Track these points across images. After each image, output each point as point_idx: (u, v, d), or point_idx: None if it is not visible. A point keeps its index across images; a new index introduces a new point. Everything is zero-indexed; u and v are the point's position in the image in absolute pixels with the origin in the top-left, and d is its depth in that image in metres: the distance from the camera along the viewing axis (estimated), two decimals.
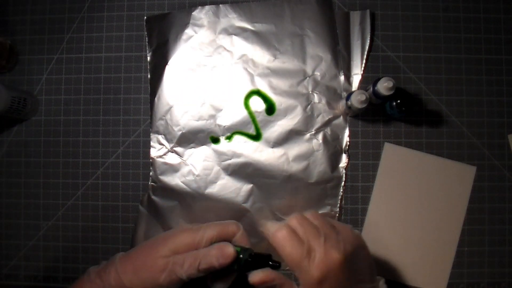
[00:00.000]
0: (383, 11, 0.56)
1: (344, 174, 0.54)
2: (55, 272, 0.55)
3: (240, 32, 0.55)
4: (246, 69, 0.55)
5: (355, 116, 0.55)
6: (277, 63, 0.55)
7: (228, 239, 0.44)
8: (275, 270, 0.42)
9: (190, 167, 0.54)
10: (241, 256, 0.42)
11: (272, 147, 0.54)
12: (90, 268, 0.44)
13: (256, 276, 0.41)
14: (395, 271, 0.53)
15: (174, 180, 0.54)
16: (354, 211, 0.54)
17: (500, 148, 0.55)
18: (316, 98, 0.54)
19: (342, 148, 0.54)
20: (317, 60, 0.55)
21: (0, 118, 0.56)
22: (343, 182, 0.54)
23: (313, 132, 0.54)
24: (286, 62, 0.55)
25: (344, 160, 0.54)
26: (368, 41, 0.55)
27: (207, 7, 0.56)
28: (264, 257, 0.43)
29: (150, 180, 0.55)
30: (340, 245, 0.41)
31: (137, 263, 0.42)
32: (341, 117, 0.55)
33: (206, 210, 0.54)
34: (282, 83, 0.55)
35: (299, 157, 0.54)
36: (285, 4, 0.55)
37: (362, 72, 0.55)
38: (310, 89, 0.55)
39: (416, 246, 0.53)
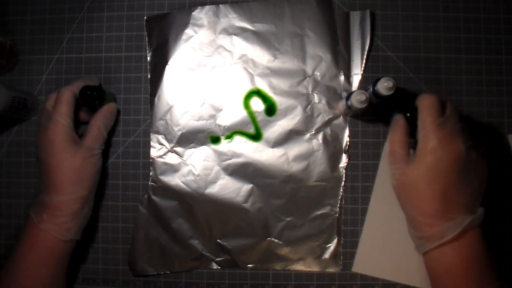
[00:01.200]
0: (383, 11, 0.56)
1: (344, 174, 0.54)
2: None
3: (240, 32, 0.55)
4: (246, 69, 0.55)
5: (355, 116, 0.55)
6: (277, 63, 0.55)
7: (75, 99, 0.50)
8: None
9: (190, 167, 0.54)
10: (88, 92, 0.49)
11: (272, 147, 0.54)
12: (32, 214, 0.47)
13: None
14: (395, 271, 0.53)
15: (174, 180, 0.54)
16: (354, 211, 0.54)
17: (500, 148, 0.55)
18: (316, 98, 0.54)
19: (342, 148, 0.54)
20: (317, 60, 0.55)
21: (0, 118, 0.56)
22: (343, 182, 0.54)
23: (313, 132, 0.54)
24: (286, 62, 0.55)
25: (344, 160, 0.54)
26: (368, 41, 0.55)
27: (207, 7, 0.56)
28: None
29: (150, 180, 0.55)
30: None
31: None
32: (341, 117, 0.55)
33: (206, 210, 0.54)
34: (282, 83, 0.55)
35: (299, 157, 0.54)
36: (285, 4, 0.55)
37: (362, 72, 0.55)
38: (310, 89, 0.55)
39: None
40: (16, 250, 0.47)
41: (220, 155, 0.54)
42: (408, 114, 0.46)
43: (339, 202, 0.54)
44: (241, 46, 0.55)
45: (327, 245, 0.53)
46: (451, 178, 0.42)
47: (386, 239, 0.54)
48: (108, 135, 0.56)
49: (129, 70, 0.57)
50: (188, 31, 0.56)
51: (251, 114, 0.55)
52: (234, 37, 0.55)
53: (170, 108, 0.55)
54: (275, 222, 0.53)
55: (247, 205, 0.54)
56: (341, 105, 0.53)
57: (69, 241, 0.47)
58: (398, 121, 0.47)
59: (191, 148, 0.55)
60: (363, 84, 0.55)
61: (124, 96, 0.56)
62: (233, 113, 0.55)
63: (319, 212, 0.53)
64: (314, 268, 0.53)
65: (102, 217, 0.55)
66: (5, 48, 0.55)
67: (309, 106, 0.54)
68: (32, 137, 0.57)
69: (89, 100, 0.50)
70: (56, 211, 0.46)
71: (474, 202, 0.43)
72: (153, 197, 0.54)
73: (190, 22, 0.56)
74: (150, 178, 0.55)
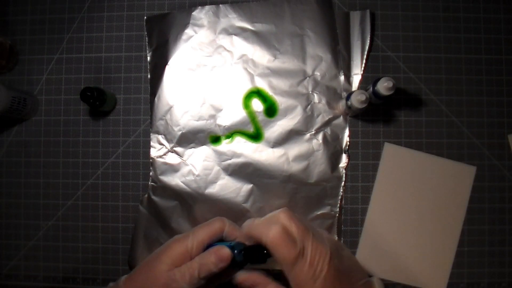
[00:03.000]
0: (383, 11, 0.56)
1: (344, 174, 0.54)
2: (55, 272, 0.55)
3: (240, 32, 0.55)
4: (246, 69, 0.55)
5: (355, 116, 0.55)
6: (277, 63, 0.55)
7: (218, 237, 0.44)
8: (268, 258, 0.42)
9: (190, 167, 0.54)
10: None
11: (272, 147, 0.54)
12: None
13: (240, 276, 0.43)
14: (395, 271, 0.53)
15: (174, 180, 0.54)
16: (354, 211, 0.54)
17: (500, 148, 0.55)
18: (316, 98, 0.54)
19: (342, 148, 0.54)
20: (317, 60, 0.55)
21: (0, 118, 0.56)
22: (343, 182, 0.54)
23: (313, 132, 0.54)
24: (286, 62, 0.55)
25: (344, 160, 0.54)
26: (368, 41, 0.55)
27: (207, 7, 0.56)
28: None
29: (150, 180, 0.55)
30: (325, 240, 0.43)
31: (139, 284, 0.42)
32: (341, 117, 0.55)
33: (206, 210, 0.54)
34: (282, 83, 0.55)
35: (299, 157, 0.54)
36: (285, 4, 0.55)
37: (362, 72, 0.55)
38: (310, 89, 0.55)
39: (416, 246, 0.53)
40: None
41: (220, 155, 0.54)
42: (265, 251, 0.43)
43: (339, 202, 0.54)
44: (241, 46, 0.55)
45: None
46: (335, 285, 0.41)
47: (386, 239, 0.54)
48: (108, 135, 0.56)
49: (129, 70, 0.57)
50: (188, 31, 0.56)
51: (251, 114, 0.55)
52: (234, 37, 0.55)
53: (170, 108, 0.55)
54: None
55: (247, 205, 0.54)
56: (341, 105, 0.53)
57: None
58: (274, 240, 0.42)
59: (191, 148, 0.55)
60: (363, 84, 0.55)
61: (124, 96, 0.56)
62: (233, 113, 0.55)
63: (319, 212, 0.53)
64: None
65: (102, 217, 0.55)
66: (5, 48, 0.55)
67: (309, 106, 0.54)
68: (32, 137, 0.57)
69: (89, 101, 0.50)
70: None
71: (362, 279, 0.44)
72: (153, 197, 0.54)
73: (190, 22, 0.56)
74: (150, 178, 0.55)
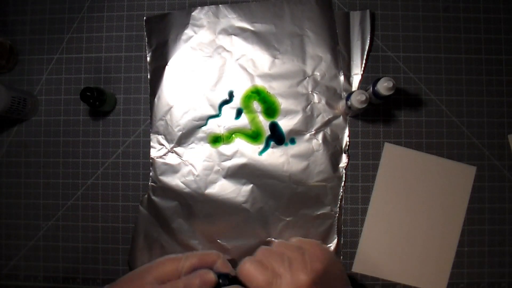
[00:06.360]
0: (383, 11, 0.56)
1: (344, 174, 0.54)
2: (55, 272, 0.55)
3: (240, 32, 0.55)
4: (246, 69, 0.55)
5: (355, 116, 0.55)
6: (277, 63, 0.55)
7: (209, 267, 0.44)
8: None
9: (190, 168, 0.54)
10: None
11: (272, 147, 0.54)
12: None
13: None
14: (395, 271, 0.53)
15: (174, 180, 0.54)
16: (354, 211, 0.54)
17: (500, 148, 0.55)
18: (316, 98, 0.54)
19: (342, 148, 0.54)
20: (317, 60, 0.55)
21: (0, 118, 0.56)
22: (343, 182, 0.54)
23: (313, 132, 0.54)
24: (286, 62, 0.55)
25: (344, 160, 0.54)
26: (368, 41, 0.55)
27: (206, 7, 0.56)
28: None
29: (150, 181, 0.55)
30: (307, 266, 0.42)
31: None
32: (341, 117, 0.55)
33: (206, 210, 0.54)
34: (282, 83, 0.55)
35: (299, 157, 0.54)
36: (285, 4, 0.55)
37: (362, 72, 0.55)
38: (310, 89, 0.55)
39: (416, 246, 0.53)
40: None
41: (220, 155, 0.54)
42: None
43: (339, 202, 0.54)
44: (240, 46, 0.55)
45: (327, 245, 0.53)
46: None
47: (386, 239, 0.54)
48: (108, 135, 0.56)
49: (129, 70, 0.57)
50: (188, 32, 0.56)
51: (251, 114, 0.55)
52: (233, 37, 0.55)
53: (170, 109, 0.55)
54: (275, 222, 0.53)
55: (247, 205, 0.54)
56: (341, 105, 0.53)
57: None
58: (245, 271, 0.44)
59: (191, 148, 0.55)
60: (363, 84, 0.55)
61: (124, 96, 0.56)
62: (233, 113, 0.55)
63: (319, 212, 0.53)
64: None
65: (102, 217, 0.55)
66: (5, 48, 0.55)
67: (309, 106, 0.54)
68: (32, 137, 0.57)
69: (89, 101, 0.50)
70: None
71: None
72: (153, 197, 0.54)
73: (190, 22, 0.56)
74: (150, 178, 0.55)
